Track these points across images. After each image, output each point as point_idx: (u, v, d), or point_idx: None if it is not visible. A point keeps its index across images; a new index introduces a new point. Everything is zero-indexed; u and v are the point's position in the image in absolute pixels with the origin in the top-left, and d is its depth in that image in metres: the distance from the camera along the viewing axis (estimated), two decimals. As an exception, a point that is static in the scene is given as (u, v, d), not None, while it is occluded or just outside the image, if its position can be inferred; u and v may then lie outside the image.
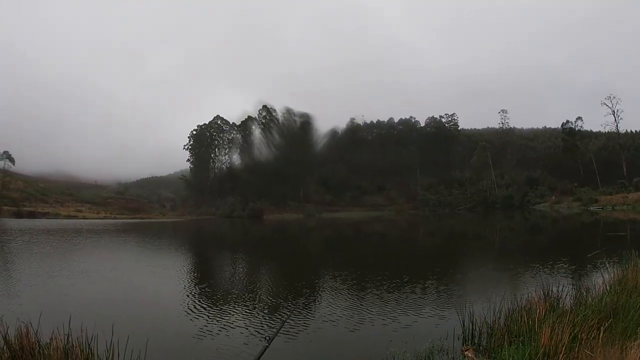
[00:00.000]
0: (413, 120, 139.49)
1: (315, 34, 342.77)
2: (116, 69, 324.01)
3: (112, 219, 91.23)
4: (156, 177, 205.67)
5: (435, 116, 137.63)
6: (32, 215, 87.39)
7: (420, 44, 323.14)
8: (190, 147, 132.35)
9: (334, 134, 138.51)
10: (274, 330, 5.20)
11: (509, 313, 7.28)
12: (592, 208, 73.67)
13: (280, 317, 9.76)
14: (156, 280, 15.91)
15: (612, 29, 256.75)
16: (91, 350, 5.53)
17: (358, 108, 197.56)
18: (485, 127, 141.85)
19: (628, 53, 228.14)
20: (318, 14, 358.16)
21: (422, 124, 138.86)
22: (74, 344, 5.55)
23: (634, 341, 4.54)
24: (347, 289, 12.90)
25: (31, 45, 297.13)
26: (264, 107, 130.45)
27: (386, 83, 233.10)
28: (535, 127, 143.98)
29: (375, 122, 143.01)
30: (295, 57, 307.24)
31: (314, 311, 10.38)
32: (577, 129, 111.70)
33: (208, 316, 10.03)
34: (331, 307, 10.63)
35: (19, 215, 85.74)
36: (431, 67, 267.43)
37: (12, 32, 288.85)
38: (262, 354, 4.47)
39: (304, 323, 9.32)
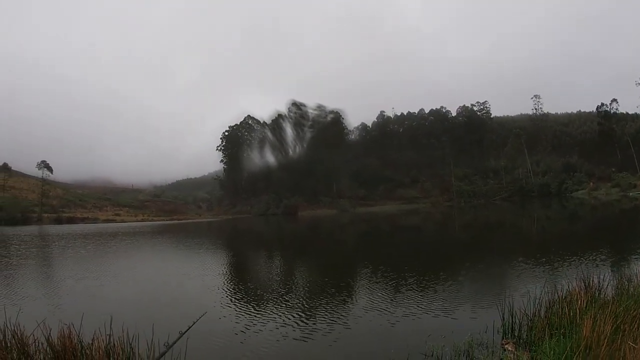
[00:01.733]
0: (444, 110, 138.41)
1: (340, 32, 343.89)
2: (149, 80, 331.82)
3: (150, 221, 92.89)
4: (191, 179, 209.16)
5: (466, 105, 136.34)
6: (71, 220, 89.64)
7: (445, 34, 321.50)
8: (222, 147, 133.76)
9: (364, 127, 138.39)
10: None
11: (549, 305, 7.19)
12: (631, 194, 71.90)
13: (317, 313, 9.80)
14: (192, 280, 16.09)
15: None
16: (132, 349, 5.64)
17: (387, 102, 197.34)
18: (519, 113, 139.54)
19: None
20: (341, 11, 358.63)
21: (454, 114, 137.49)
22: (115, 343, 5.68)
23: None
24: (384, 283, 12.85)
25: (67, 65, 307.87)
26: (294, 103, 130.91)
27: (414, 75, 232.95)
28: (569, 111, 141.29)
29: (405, 114, 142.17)
30: (321, 55, 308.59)
31: (352, 306, 10.37)
32: (612, 111, 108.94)
33: (245, 314, 10.12)
34: (368, 302, 10.61)
35: (59, 221, 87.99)
36: (459, 57, 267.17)
37: (47, 52, 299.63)
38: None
39: (342, 317, 9.33)
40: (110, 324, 5.84)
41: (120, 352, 5.57)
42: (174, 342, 5.19)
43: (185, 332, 5.58)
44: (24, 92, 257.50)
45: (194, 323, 5.91)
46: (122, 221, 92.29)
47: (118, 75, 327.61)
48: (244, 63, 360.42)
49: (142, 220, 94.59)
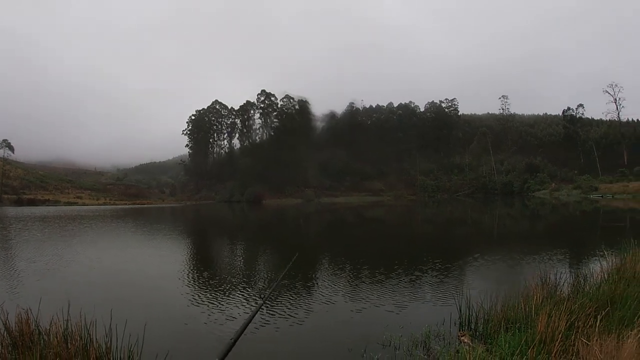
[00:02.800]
0: (412, 105, 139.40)
1: (314, 21, 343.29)
2: (116, 59, 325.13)
3: (112, 205, 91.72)
4: (155, 162, 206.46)
5: (435, 101, 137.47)
6: (32, 202, 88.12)
7: (420, 31, 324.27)
8: (189, 132, 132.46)
9: (332, 116, 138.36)
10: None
11: (506, 299, 7.26)
12: (591, 196, 73.68)
13: (275, 304, 9.76)
14: (152, 265, 15.92)
15: (613, 16, 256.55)
16: (90, 335, 5.50)
17: (357, 94, 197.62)
18: (486, 112, 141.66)
19: (629, 42, 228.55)
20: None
21: (422, 109, 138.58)
22: (73, 329, 5.54)
23: (631, 330, 4.51)
24: (345, 274, 12.90)
25: (35, 33, 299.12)
26: (263, 91, 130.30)
27: (385, 68, 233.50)
28: (536, 113, 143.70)
29: (374, 106, 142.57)
30: (294, 44, 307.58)
31: (311, 296, 10.35)
32: (578, 116, 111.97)
33: (203, 299, 10.02)
34: (328, 292, 10.61)
35: (19, 203, 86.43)
36: (431, 54, 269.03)
37: (16, 18, 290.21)
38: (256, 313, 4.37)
39: (300, 307, 9.30)
40: (68, 309, 5.69)
41: (78, 338, 5.42)
42: (269, 293, 4.92)
43: (281, 278, 5.44)
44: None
45: (286, 268, 5.70)
46: (84, 204, 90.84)
47: (86, 52, 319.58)
48: (216, 49, 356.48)
49: (104, 204, 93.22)
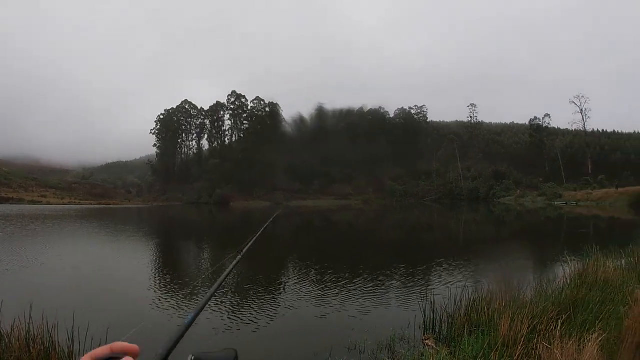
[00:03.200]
0: (383, 111, 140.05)
1: (285, 24, 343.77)
2: (86, 56, 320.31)
3: (77, 204, 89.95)
4: (122, 162, 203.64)
5: (405, 107, 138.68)
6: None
7: (390, 39, 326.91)
8: (157, 131, 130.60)
9: (302, 119, 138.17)
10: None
11: (469, 303, 7.32)
12: (556, 203, 75.04)
13: (242, 307, 9.68)
14: (116, 267, 15.69)
15: (582, 29, 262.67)
16: (52, 339, 5.38)
17: (328, 98, 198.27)
18: (454, 120, 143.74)
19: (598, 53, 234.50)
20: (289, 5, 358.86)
21: (392, 115, 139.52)
22: (35, 333, 5.41)
23: (592, 334, 4.58)
24: (311, 278, 12.88)
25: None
26: (233, 92, 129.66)
27: (356, 75, 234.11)
28: (503, 122, 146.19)
29: (345, 109, 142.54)
30: (265, 45, 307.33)
31: (278, 299, 10.31)
32: (544, 125, 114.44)
33: (167, 301, 9.89)
34: (296, 296, 10.58)
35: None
36: (404, 64, 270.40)
37: None
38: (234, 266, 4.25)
39: (266, 312, 9.25)
40: (30, 313, 5.56)
41: (41, 342, 5.30)
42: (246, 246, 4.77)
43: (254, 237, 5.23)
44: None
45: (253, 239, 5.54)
46: (48, 203, 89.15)
47: (54, 46, 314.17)
48: (187, 50, 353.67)
49: (69, 204, 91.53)
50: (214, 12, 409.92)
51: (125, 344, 0.92)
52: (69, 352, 5.33)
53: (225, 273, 2.45)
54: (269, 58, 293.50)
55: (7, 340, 5.42)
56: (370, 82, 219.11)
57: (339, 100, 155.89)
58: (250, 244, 3.77)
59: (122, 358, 0.84)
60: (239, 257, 4.01)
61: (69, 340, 5.39)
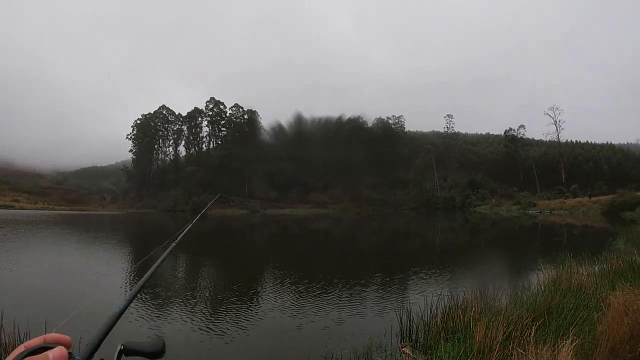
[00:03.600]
0: (361, 120, 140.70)
1: (264, 33, 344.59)
2: (62, 58, 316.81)
3: (50, 210, 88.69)
4: (97, 167, 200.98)
5: (382, 117, 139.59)
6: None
7: (367, 50, 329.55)
8: (133, 136, 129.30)
9: (279, 127, 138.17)
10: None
11: (445, 311, 7.37)
12: (530, 212, 75.94)
13: (217, 314, 9.61)
14: (87, 274, 15.47)
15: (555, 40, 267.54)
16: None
17: (306, 107, 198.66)
18: (431, 130, 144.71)
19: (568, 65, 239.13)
20: (263, 14, 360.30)
21: (370, 124, 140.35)
22: (7, 341, 5.32)
23: (566, 340, 4.62)
24: (287, 286, 12.84)
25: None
26: (212, 99, 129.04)
27: (335, 85, 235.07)
28: (479, 132, 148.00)
29: (324, 118, 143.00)
30: (244, 53, 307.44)
31: (254, 308, 10.26)
32: (519, 136, 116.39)
33: (142, 315, 9.74)
34: (271, 304, 10.54)
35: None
36: (380, 72, 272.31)
37: None
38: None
39: (241, 320, 9.20)
40: (2, 320, 5.48)
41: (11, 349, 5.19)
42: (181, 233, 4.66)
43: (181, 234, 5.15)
44: None
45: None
46: (21, 208, 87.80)
47: (26, 55, 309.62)
48: (165, 55, 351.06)
49: (42, 209, 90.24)
50: (191, 15, 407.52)
51: (59, 335, 0.96)
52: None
53: (159, 260, 2.42)
54: (247, 65, 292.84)
55: None
56: (347, 92, 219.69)
57: (317, 109, 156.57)
58: (184, 231, 3.76)
59: (54, 347, 0.89)
60: (173, 244, 3.97)
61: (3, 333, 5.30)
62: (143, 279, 2.12)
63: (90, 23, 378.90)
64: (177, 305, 10.62)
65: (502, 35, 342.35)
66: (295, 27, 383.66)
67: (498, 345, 5.14)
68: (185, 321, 9.10)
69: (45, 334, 0.91)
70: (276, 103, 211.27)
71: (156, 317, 9.47)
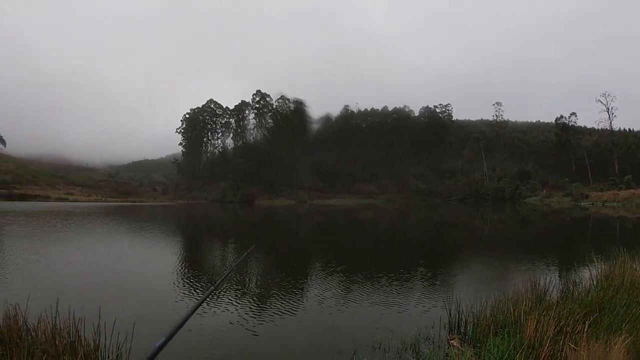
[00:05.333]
0: (407, 110, 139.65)
1: (308, 27, 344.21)
2: (112, 56, 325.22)
3: (103, 202, 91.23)
4: (148, 160, 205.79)
5: (429, 106, 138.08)
6: (22, 197, 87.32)
7: (412, 40, 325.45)
8: (182, 130, 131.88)
9: (327, 119, 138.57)
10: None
11: (495, 304, 7.26)
12: (582, 203, 74.04)
13: (265, 305, 9.74)
14: (142, 262, 15.88)
15: (608, 25, 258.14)
16: (78, 332, 5.47)
17: (352, 99, 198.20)
18: (479, 118, 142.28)
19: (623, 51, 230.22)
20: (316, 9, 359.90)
21: (416, 114, 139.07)
22: (62, 326, 5.50)
23: (619, 337, 4.54)
24: (335, 275, 12.85)
25: (30, 33, 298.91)
26: (258, 91, 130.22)
27: (381, 75, 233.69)
28: (529, 120, 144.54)
29: (369, 109, 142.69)
30: (290, 48, 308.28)
31: (302, 298, 10.32)
32: (570, 124, 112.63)
33: (192, 298, 9.96)
34: (319, 294, 10.56)
35: (9, 197, 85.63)
36: (426, 62, 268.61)
37: (10, 18, 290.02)
38: (207, 297, 4.34)
39: (289, 307, 9.29)
40: (57, 306, 5.66)
41: (67, 336, 5.39)
42: (221, 280, 4.85)
43: (234, 267, 5.31)
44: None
45: (240, 259, 5.66)
46: (75, 200, 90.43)
47: (81, 50, 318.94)
48: (213, 49, 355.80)
49: (95, 201, 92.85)
50: (238, 13, 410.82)
51: None
52: (95, 345, 5.40)
53: (199, 302, 2.48)
54: (289, 60, 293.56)
55: (33, 334, 5.51)
56: (391, 83, 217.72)
57: (362, 101, 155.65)
58: (224, 277, 3.83)
59: None
60: (212, 288, 4.06)
61: (95, 334, 5.46)
62: (183, 317, 2.16)
63: (136, 20, 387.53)
64: (220, 292, 10.79)
65: (549, 17, 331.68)
66: (334, 19, 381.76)
67: (549, 341, 5.08)
68: (229, 310, 9.25)
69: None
70: (320, 97, 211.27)
71: (210, 300, 9.66)
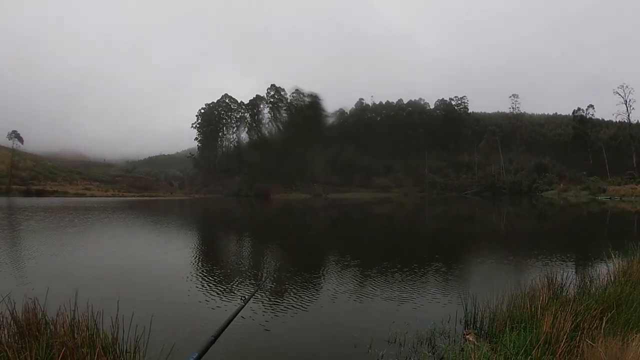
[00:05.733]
0: (422, 102, 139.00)
1: (322, 20, 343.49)
2: (127, 51, 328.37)
3: (120, 196, 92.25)
4: (164, 155, 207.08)
5: (444, 98, 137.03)
6: (41, 193, 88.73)
7: (428, 32, 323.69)
8: (198, 125, 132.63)
9: (342, 113, 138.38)
10: (251, 292, 5.17)
11: (511, 299, 7.24)
12: (599, 197, 73.33)
13: (281, 298, 9.78)
14: (158, 256, 16.02)
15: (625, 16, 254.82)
16: (96, 325, 5.54)
17: (366, 93, 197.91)
18: (496, 111, 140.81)
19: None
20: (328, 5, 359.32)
21: (432, 106, 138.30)
22: (80, 320, 5.58)
23: (636, 333, 4.52)
24: (351, 269, 12.88)
25: (45, 32, 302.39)
26: (272, 86, 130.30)
27: (395, 68, 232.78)
28: (546, 113, 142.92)
29: (384, 102, 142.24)
30: (303, 41, 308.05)
31: (317, 291, 10.37)
32: (588, 116, 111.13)
33: (209, 294, 10.03)
34: (335, 287, 10.60)
35: (28, 193, 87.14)
36: (441, 55, 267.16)
37: (26, 18, 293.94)
38: (238, 312, 4.41)
39: (304, 302, 9.33)
40: (75, 300, 5.73)
41: (85, 329, 5.46)
42: (249, 298, 4.98)
43: (261, 283, 5.45)
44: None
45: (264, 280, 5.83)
46: (92, 196, 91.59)
47: (95, 50, 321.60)
48: (226, 44, 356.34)
49: (113, 196, 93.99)
50: (250, 8, 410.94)
51: None
52: (113, 339, 5.46)
53: (228, 318, 2.51)
54: (304, 57, 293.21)
55: (52, 327, 5.56)
56: (410, 77, 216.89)
57: (376, 96, 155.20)
58: (253, 294, 3.89)
59: None
60: (242, 304, 4.13)
61: (113, 327, 5.52)
62: (215, 333, 2.20)
63: (153, 15, 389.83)
64: (236, 285, 10.86)
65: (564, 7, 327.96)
66: (349, 14, 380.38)
67: (565, 336, 5.07)
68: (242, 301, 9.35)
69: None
70: (334, 91, 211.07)
71: (216, 296, 9.71)
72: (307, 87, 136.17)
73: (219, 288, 10.48)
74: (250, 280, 11.38)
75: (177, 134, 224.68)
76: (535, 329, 5.70)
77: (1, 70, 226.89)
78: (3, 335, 5.53)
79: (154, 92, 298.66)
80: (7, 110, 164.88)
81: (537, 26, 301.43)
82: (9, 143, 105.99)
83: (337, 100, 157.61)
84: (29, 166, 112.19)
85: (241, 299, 4.67)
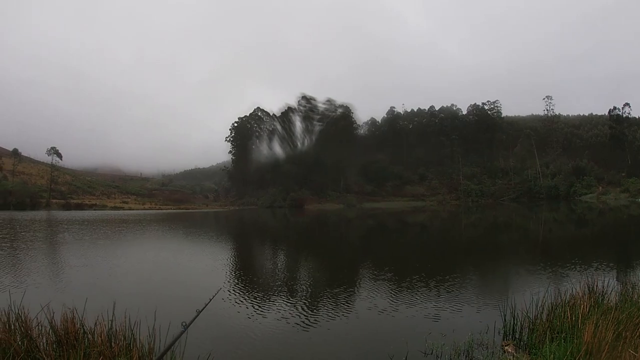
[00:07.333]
0: (454, 108, 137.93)
1: (352, 30, 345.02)
2: (162, 71, 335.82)
3: (157, 209, 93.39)
4: (199, 169, 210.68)
5: (477, 103, 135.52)
6: (79, 207, 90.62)
7: (458, 38, 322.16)
8: (231, 138, 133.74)
9: (373, 123, 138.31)
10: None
11: (551, 308, 7.11)
12: (639, 200, 71.55)
13: (318, 308, 9.79)
14: (197, 267, 16.21)
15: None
16: (134, 335, 5.64)
17: (398, 99, 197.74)
18: (530, 114, 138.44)
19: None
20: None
21: (464, 112, 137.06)
22: (117, 329, 5.69)
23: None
24: (387, 280, 12.82)
25: (83, 51, 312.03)
26: (304, 97, 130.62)
27: (427, 75, 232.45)
28: (581, 113, 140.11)
29: (415, 110, 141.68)
30: (334, 51, 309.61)
31: (353, 302, 10.36)
32: (624, 115, 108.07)
33: (248, 303, 10.13)
34: (370, 298, 10.58)
35: (67, 207, 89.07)
36: (473, 61, 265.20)
37: (61, 49, 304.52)
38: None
39: (343, 313, 9.34)
40: (113, 310, 5.85)
41: (122, 338, 5.58)
42: (191, 322, 5.17)
43: (202, 310, 5.60)
44: (38, 83, 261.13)
45: (210, 300, 5.97)
46: (130, 209, 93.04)
47: (130, 71, 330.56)
48: (257, 58, 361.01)
49: (150, 209, 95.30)
50: (277, 24, 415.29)
51: None
52: (149, 348, 5.56)
53: (166, 347, 2.51)
54: (333, 70, 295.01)
55: (90, 337, 5.67)
56: (441, 83, 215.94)
57: (410, 102, 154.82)
58: (194, 319, 3.92)
59: None
60: (183, 330, 4.19)
61: (149, 337, 5.61)
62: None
63: (181, 32, 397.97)
64: (275, 295, 10.92)
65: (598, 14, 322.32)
66: (371, 24, 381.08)
67: (607, 346, 4.96)
68: (283, 310, 9.44)
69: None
70: (365, 100, 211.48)
71: (256, 305, 9.81)
72: (336, 97, 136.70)
73: (255, 301, 10.54)
74: (289, 293, 11.43)
75: (212, 148, 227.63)
76: (576, 339, 5.58)
77: (46, 97, 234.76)
78: (42, 343, 5.68)
79: (189, 109, 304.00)
80: (46, 126, 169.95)
81: (562, 25, 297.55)
82: (48, 159, 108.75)
83: (366, 109, 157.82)
84: (68, 181, 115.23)
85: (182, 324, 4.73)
